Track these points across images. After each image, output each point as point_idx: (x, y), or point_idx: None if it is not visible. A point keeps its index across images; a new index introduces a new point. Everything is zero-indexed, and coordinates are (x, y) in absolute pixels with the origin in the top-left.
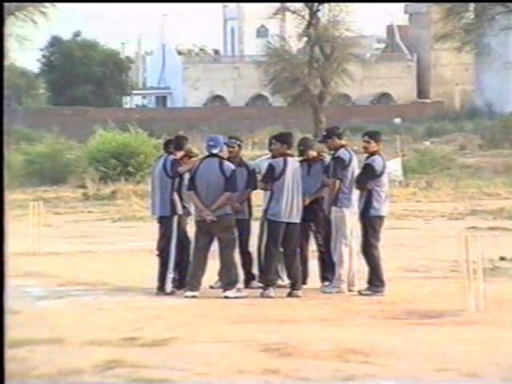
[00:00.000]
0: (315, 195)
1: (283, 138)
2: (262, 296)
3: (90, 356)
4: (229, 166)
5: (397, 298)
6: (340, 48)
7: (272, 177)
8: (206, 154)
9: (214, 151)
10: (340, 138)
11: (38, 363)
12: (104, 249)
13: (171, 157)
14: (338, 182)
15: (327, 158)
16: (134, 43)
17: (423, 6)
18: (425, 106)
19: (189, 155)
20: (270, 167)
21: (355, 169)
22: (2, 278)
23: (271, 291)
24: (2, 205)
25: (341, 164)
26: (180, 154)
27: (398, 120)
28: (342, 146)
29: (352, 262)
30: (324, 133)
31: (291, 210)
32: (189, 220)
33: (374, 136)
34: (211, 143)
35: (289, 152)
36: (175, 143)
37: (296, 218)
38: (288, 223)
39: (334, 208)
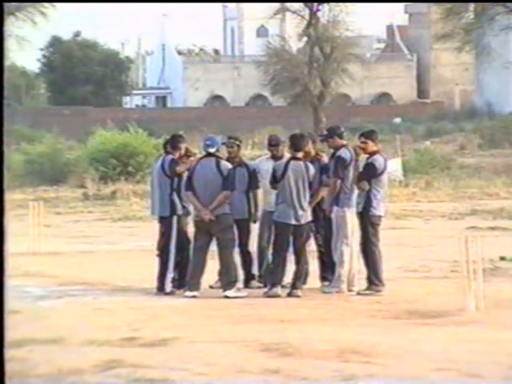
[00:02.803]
0: (316, 197)
1: (291, 140)
2: (269, 295)
3: (89, 356)
4: (226, 165)
5: (397, 297)
6: (340, 48)
7: (274, 179)
8: (204, 153)
9: (211, 150)
10: (341, 137)
11: (38, 363)
12: (104, 249)
13: (169, 156)
14: (339, 181)
15: (325, 158)
16: (134, 43)
17: (423, 6)
18: (425, 106)
19: (187, 155)
20: (273, 170)
21: (357, 168)
22: (2, 278)
23: (279, 289)
24: (2, 205)
25: (342, 163)
26: (178, 153)
27: (397, 120)
28: (343, 146)
29: (352, 262)
30: (325, 132)
31: (296, 211)
32: (188, 220)
33: (369, 136)
34: (208, 142)
35: (296, 155)
36: (171, 143)
37: (303, 220)
38: (295, 225)
39: (335, 208)
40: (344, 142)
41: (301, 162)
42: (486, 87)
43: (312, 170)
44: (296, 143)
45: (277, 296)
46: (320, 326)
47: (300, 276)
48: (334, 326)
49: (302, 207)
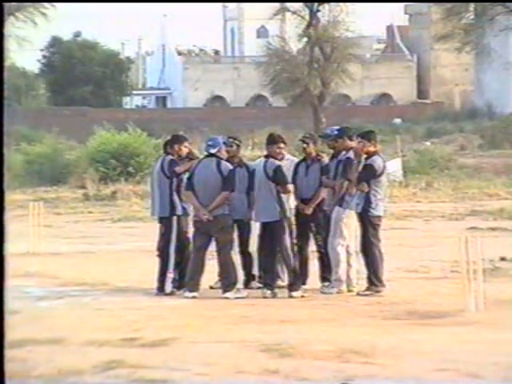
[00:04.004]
0: (315, 200)
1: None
2: (263, 296)
3: (89, 356)
4: (226, 165)
5: (397, 298)
6: (340, 48)
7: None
8: (205, 154)
9: (213, 151)
10: (351, 139)
11: (38, 363)
12: (104, 249)
13: (169, 157)
14: (346, 183)
15: (325, 159)
16: (134, 43)
17: (423, 7)
18: (425, 107)
19: (189, 157)
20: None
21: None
22: (2, 278)
23: (265, 292)
24: (2, 205)
25: (353, 166)
26: (176, 153)
27: (397, 120)
28: (352, 148)
29: (351, 263)
30: (335, 131)
31: (261, 209)
32: (188, 220)
33: (366, 136)
34: (210, 143)
35: (268, 153)
36: (171, 143)
37: (267, 218)
38: (264, 223)
39: (337, 208)
40: (353, 144)
41: (263, 160)
42: (486, 88)
43: (271, 165)
44: (266, 141)
45: (266, 297)
46: (320, 327)
47: (292, 277)
48: (333, 327)
49: (264, 206)
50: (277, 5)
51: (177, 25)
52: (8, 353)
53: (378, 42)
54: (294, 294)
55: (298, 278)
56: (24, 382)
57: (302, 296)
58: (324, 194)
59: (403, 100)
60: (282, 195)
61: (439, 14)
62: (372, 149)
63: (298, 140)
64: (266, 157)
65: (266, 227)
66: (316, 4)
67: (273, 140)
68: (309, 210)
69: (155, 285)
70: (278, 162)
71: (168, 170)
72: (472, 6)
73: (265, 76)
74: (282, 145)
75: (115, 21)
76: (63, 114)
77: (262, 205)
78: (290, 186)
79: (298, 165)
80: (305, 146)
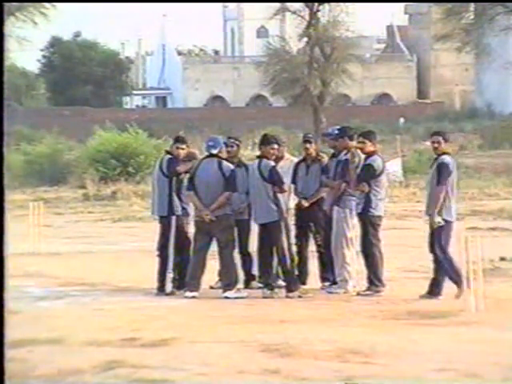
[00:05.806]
0: (314, 197)
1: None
2: (263, 296)
3: (89, 356)
4: (228, 166)
5: (397, 298)
6: (340, 48)
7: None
8: (206, 154)
9: (214, 151)
10: (352, 139)
11: (38, 363)
12: (104, 249)
13: (167, 156)
14: (344, 184)
15: (325, 159)
16: (134, 43)
17: (423, 7)
18: (425, 107)
19: (189, 158)
20: None
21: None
22: (2, 278)
23: (265, 292)
24: (2, 205)
25: (350, 167)
26: (173, 152)
27: (402, 120)
28: (352, 149)
29: (352, 263)
30: (336, 131)
31: (258, 211)
32: (189, 220)
33: (367, 136)
34: (210, 143)
35: (261, 154)
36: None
37: (265, 219)
38: (260, 224)
39: (336, 208)
40: (354, 144)
41: (256, 161)
42: (486, 87)
43: (266, 165)
44: (260, 142)
45: (266, 297)
46: (320, 327)
47: (288, 278)
48: (333, 327)
49: (261, 207)
50: (277, 5)
51: (177, 25)
52: (8, 353)
53: (377, 42)
54: (291, 294)
55: (295, 278)
56: (24, 382)
57: (300, 296)
58: (324, 193)
59: (403, 100)
60: (279, 195)
61: (439, 13)
62: (372, 149)
63: (300, 140)
64: (260, 157)
65: (263, 228)
66: (316, 4)
67: (266, 141)
68: (306, 203)
69: (155, 285)
70: (272, 163)
71: (167, 169)
72: (472, 5)
73: (265, 76)
74: (275, 145)
75: (115, 21)
76: (63, 114)
77: (258, 206)
78: (286, 186)
79: (297, 165)
80: (308, 145)
